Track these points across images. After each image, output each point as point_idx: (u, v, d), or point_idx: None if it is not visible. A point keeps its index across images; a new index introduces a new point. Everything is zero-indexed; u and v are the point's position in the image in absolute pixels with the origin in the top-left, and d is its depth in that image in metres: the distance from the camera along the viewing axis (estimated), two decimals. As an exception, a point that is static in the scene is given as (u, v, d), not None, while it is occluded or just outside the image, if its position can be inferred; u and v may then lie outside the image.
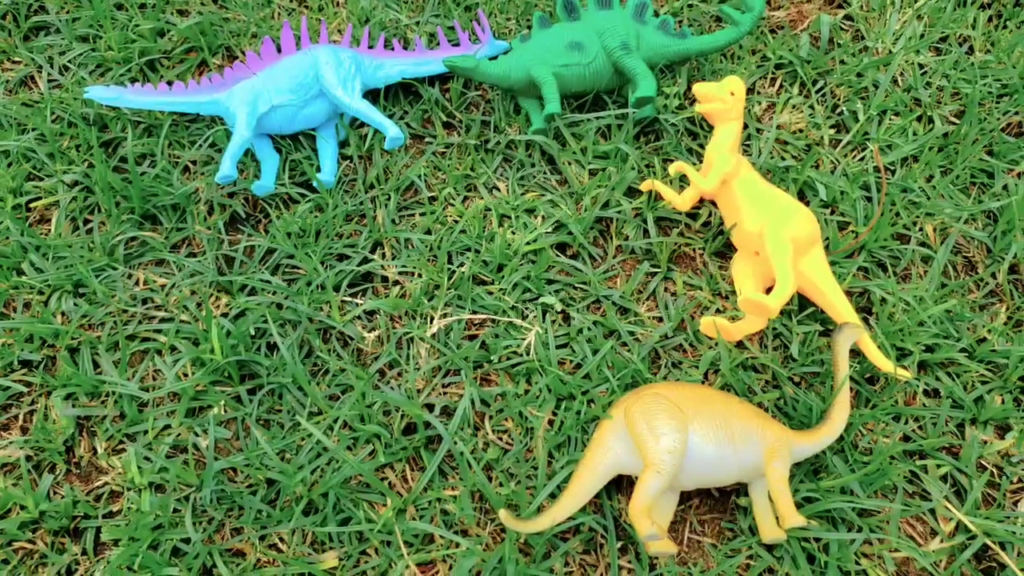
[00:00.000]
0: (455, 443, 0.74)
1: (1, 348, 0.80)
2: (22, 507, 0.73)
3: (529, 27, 1.01)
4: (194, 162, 0.92)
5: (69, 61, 0.98)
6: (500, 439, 0.78)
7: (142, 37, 0.98)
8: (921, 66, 1.02)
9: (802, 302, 0.84)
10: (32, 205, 0.89)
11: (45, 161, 0.91)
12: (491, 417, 0.78)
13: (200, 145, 0.91)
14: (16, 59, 0.98)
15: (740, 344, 0.83)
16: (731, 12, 0.92)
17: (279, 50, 0.93)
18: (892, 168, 0.94)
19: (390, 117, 0.95)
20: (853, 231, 0.90)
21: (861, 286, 0.85)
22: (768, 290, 0.84)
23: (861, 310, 0.86)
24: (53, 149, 0.91)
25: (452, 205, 0.91)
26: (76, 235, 0.88)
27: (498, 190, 0.92)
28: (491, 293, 0.84)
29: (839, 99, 0.98)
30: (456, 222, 0.89)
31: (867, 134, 0.96)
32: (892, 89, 0.98)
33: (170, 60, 0.99)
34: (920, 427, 0.79)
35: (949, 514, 0.74)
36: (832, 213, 0.91)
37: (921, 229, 0.90)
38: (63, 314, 0.83)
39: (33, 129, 0.92)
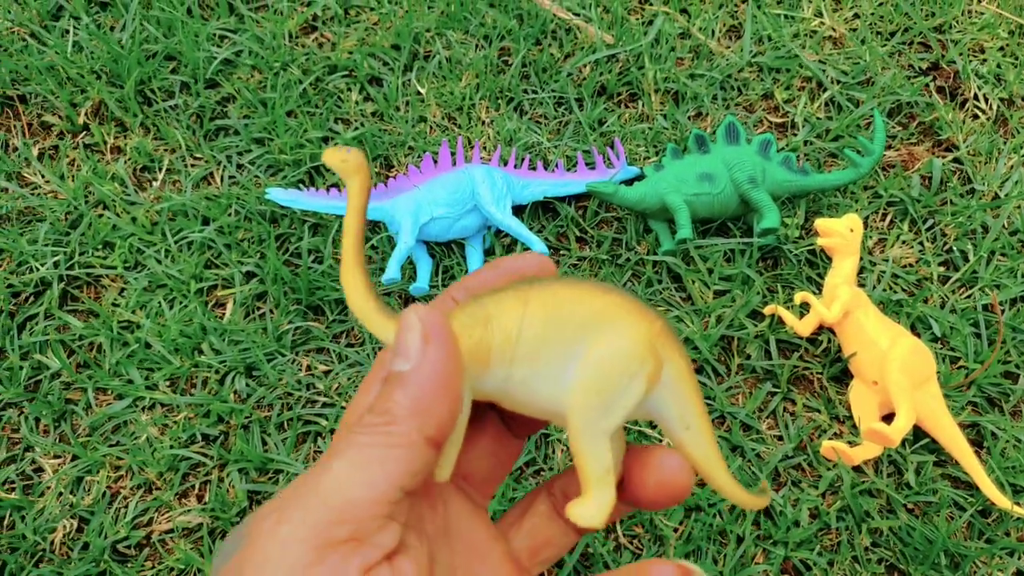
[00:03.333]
0: (590, 542, 0.80)
1: (184, 422, 0.89)
2: (199, 570, 0.81)
3: (657, 154, 1.11)
4: (354, 260, 1.02)
5: (246, 160, 1.10)
6: (630, 543, 0.83)
7: (310, 143, 1.10)
8: (1026, 210, 1.08)
9: (916, 432, 0.89)
10: (216, 294, 0.99)
11: (222, 251, 1.02)
12: (622, 521, 0.84)
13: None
14: (198, 155, 1.11)
15: (857, 468, 0.88)
16: (852, 155, 1.01)
17: (435, 162, 1.04)
18: (1003, 308, 0.99)
19: (530, 230, 1.04)
20: (963, 366, 0.95)
21: (972, 420, 0.90)
22: (885, 418, 0.89)
23: (973, 443, 0.90)
24: (231, 240, 1.02)
25: (583, 314, 0.98)
26: (248, 320, 0.97)
27: (626, 303, 1.00)
28: (622, 401, 0.91)
29: (949, 238, 1.05)
30: (588, 331, 0.97)
31: (975, 272, 1.02)
32: (1000, 232, 1.05)
33: (333, 164, 1.10)
34: (1034, 564, 0.83)
35: (1064, 654, 0.77)
36: (942, 347, 0.96)
37: (1031, 369, 0.95)
38: (235, 393, 0.92)
39: (214, 220, 1.03)
